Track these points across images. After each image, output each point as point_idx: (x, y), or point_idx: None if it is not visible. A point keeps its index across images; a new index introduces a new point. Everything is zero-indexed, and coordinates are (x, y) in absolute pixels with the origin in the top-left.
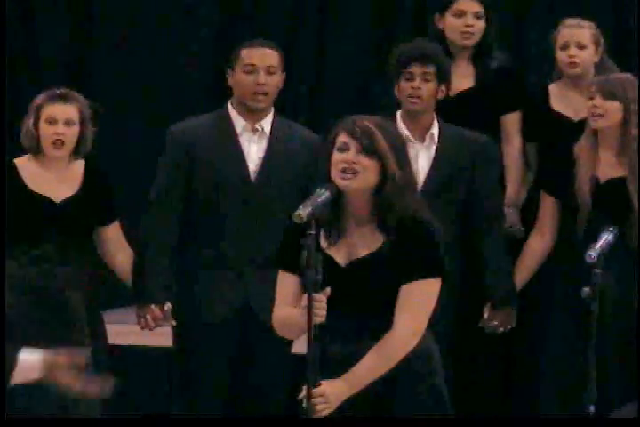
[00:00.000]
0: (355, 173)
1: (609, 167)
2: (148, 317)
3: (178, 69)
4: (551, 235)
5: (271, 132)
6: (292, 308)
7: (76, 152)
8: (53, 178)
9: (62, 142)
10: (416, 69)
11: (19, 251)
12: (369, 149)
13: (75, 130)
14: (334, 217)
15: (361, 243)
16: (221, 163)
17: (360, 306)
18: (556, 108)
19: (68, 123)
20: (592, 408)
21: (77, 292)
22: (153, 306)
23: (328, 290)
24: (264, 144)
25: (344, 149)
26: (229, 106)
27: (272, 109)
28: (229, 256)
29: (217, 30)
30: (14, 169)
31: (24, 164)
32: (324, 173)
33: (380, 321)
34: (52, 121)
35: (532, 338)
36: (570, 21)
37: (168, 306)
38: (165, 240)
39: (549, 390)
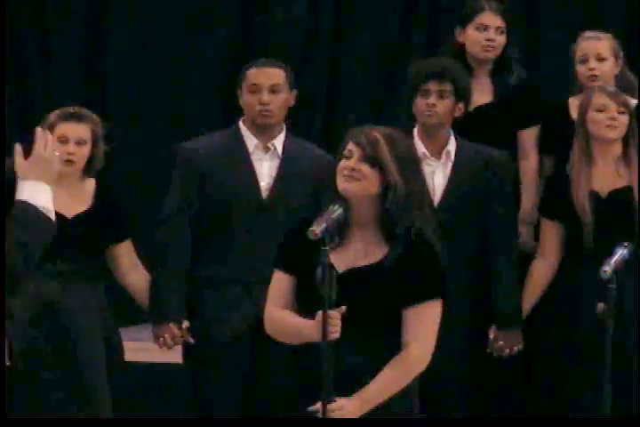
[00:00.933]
0: (356, 179)
1: (607, 180)
2: (167, 336)
3: (192, 88)
4: (554, 258)
5: (283, 151)
6: (290, 313)
7: (86, 170)
8: (65, 194)
9: (73, 162)
10: (432, 86)
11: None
12: (370, 158)
13: (86, 149)
14: (338, 223)
15: (362, 252)
16: (233, 181)
17: (354, 316)
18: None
19: (79, 142)
20: None
21: (92, 308)
22: (171, 325)
23: (344, 308)
24: (276, 163)
25: (348, 156)
26: (241, 124)
27: (284, 128)
28: (240, 273)
29: (231, 49)
30: None
31: None
32: (333, 183)
33: (370, 337)
34: (63, 140)
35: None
36: (588, 34)
37: (186, 324)
38: (179, 258)
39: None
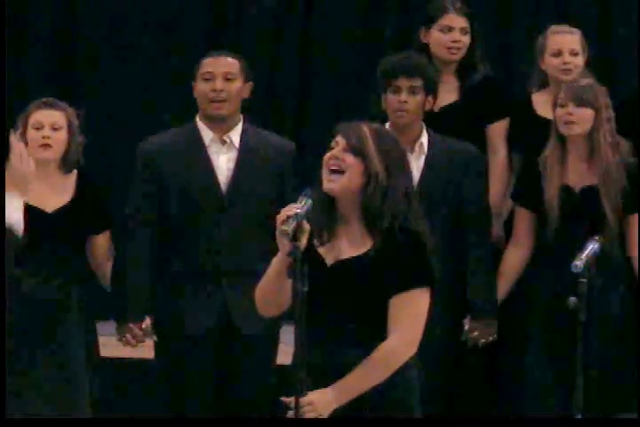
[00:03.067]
0: (339, 171)
1: (581, 175)
2: (127, 335)
3: (165, 82)
4: (527, 246)
5: (240, 143)
6: None
7: (64, 160)
8: (45, 188)
9: (49, 145)
10: (403, 83)
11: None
12: (355, 148)
13: (62, 135)
14: (325, 218)
15: (349, 245)
16: (191, 176)
17: (342, 309)
18: (546, 115)
19: (54, 128)
20: (579, 416)
21: (72, 305)
22: (131, 324)
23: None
24: (233, 155)
25: (333, 147)
26: (197, 119)
27: (241, 119)
28: (205, 269)
29: (201, 46)
30: (3, 180)
31: None
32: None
33: (361, 329)
34: (38, 126)
35: (516, 342)
36: (559, 28)
37: (146, 323)
38: (141, 256)
39: (535, 392)
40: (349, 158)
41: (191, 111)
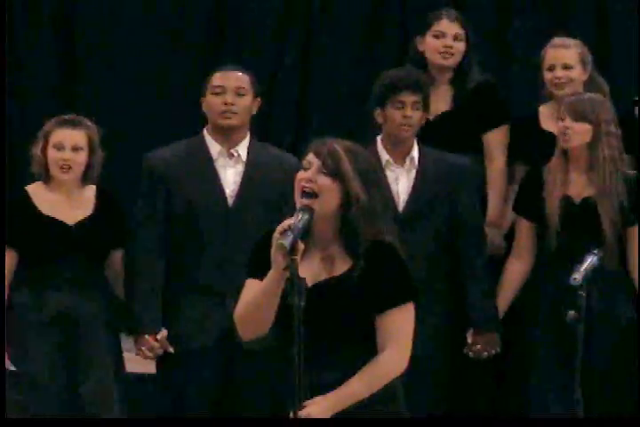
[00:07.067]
0: (314, 194)
1: (581, 186)
2: (143, 348)
3: (166, 96)
4: (528, 257)
5: (247, 157)
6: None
7: (85, 177)
8: (65, 202)
9: (69, 167)
10: (407, 98)
11: (33, 278)
12: (331, 170)
13: (82, 155)
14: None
15: (326, 266)
16: (198, 189)
17: (326, 331)
18: (548, 128)
19: (75, 149)
20: None
21: (96, 317)
22: (147, 336)
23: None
24: (240, 169)
25: (307, 167)
26: (205, 132)
27: (248, 134)
28: (210, 282)
29: (202, 60)
30: (26, 195)
31: (35, 189)
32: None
33: (347, 348)
34: (59, 147)
35: (520, 354)
36: (556, 41)
37: (162, 334)
38: (151, 268)
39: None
40: (325, 180)
41: (193, 124)
